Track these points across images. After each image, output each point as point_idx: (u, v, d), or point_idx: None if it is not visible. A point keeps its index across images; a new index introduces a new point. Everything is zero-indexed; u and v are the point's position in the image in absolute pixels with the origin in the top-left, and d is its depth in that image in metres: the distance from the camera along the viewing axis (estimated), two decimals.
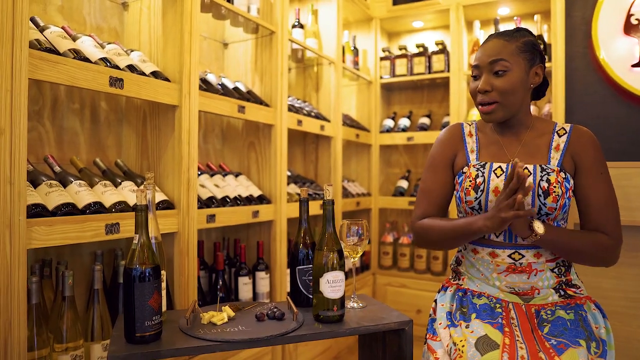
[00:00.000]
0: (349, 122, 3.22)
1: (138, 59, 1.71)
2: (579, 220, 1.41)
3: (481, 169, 1.38)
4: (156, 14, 1.85)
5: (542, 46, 2.87)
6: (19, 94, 1.23)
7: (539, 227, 1.25)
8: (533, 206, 1.31)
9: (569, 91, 2.80)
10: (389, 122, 3.49)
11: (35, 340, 1.31)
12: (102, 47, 1.63)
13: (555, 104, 2.77)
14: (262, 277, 2.22)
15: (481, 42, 3.11)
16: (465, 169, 1.42)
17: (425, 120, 3.37)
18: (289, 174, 2.67)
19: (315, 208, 2.54)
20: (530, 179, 1.30)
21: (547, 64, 2.86)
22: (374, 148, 3.47)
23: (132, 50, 1.75)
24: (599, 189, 1.34)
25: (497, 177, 1.35)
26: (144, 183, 1.31)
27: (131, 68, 1.62)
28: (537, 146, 1.39)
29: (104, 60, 1.52)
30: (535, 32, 2.97)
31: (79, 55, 1.44)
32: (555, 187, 1.29)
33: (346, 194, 3.12)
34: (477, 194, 1.35)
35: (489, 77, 1.34)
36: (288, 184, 2.51)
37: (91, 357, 1.49)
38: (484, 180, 1.35)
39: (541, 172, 1.32)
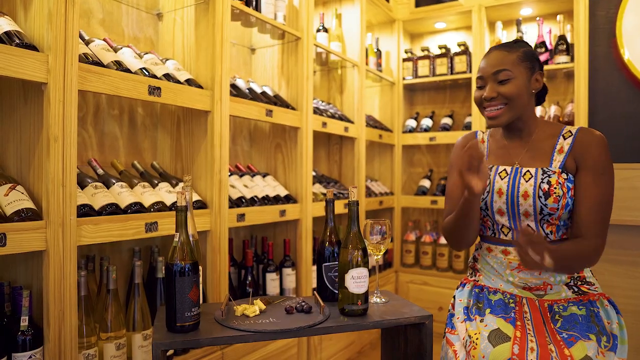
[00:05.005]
0: (372, 122, 3.29)
1: (173, 67, 1.82)
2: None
3: (488, 172, 1.46)
4: (189, 24, 1.96)
5: (564, 46, 2.90)
6: (70, 104, 1.35)
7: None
8: (534, 208, 1.36)
9: (591, 90, 2.80)
10: (412, 123, 3.54)
11: (84, 329, 1.43)
12: (140, 57, 1.74)
13: (577, 104, 2.78)
14: (289, 274, 2.31)
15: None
16: None
17: (447, 121, 3.41)
18: (313, 174, 2.75)
19: (339, 207, 2.62)
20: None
21: (569, 64, 2.87)
22: (397, 148, 3.53)
23: (167, 59, 1.86)
24: (596, 188, 1.34)
25: (502, 179, 1.43)
26: (182, 185, 1.41)
27: (167, 77, 1.73)
28: (541, 149, 1.45)
29: (143, 70, 1.64)
30: (558, 32, 2.98)
31: (121, 67, 1.56)
32: (555, 188, 1.35)
33: (369, 193, 3.19)
34: (483, 195, 1.44)
35: (493, 85, 1.42)
36: (313, 183, 2.60)
37: (132, 345, 1.60)
38: (489, 182, 1.44)
39: (542, 174, 1.38)
